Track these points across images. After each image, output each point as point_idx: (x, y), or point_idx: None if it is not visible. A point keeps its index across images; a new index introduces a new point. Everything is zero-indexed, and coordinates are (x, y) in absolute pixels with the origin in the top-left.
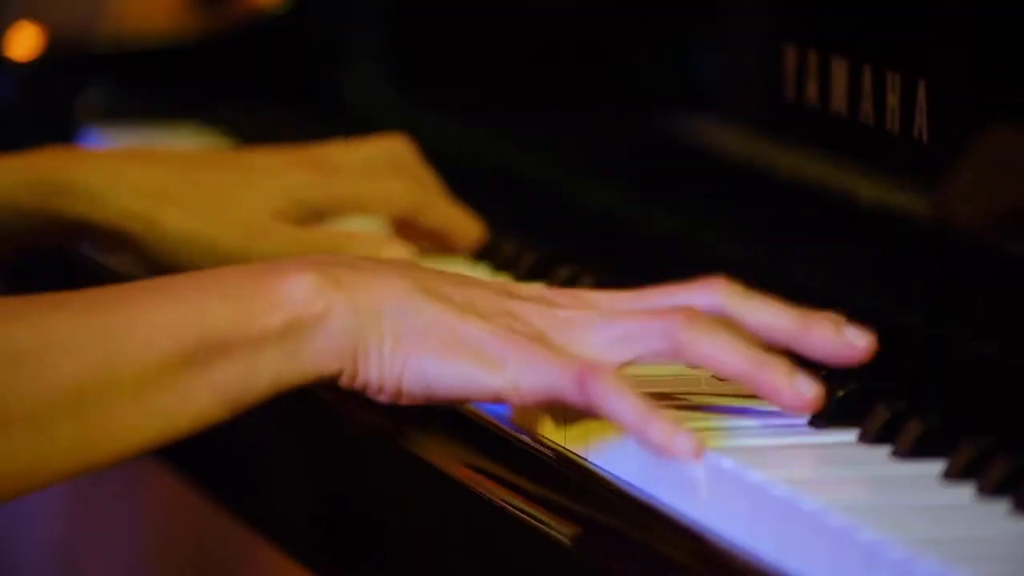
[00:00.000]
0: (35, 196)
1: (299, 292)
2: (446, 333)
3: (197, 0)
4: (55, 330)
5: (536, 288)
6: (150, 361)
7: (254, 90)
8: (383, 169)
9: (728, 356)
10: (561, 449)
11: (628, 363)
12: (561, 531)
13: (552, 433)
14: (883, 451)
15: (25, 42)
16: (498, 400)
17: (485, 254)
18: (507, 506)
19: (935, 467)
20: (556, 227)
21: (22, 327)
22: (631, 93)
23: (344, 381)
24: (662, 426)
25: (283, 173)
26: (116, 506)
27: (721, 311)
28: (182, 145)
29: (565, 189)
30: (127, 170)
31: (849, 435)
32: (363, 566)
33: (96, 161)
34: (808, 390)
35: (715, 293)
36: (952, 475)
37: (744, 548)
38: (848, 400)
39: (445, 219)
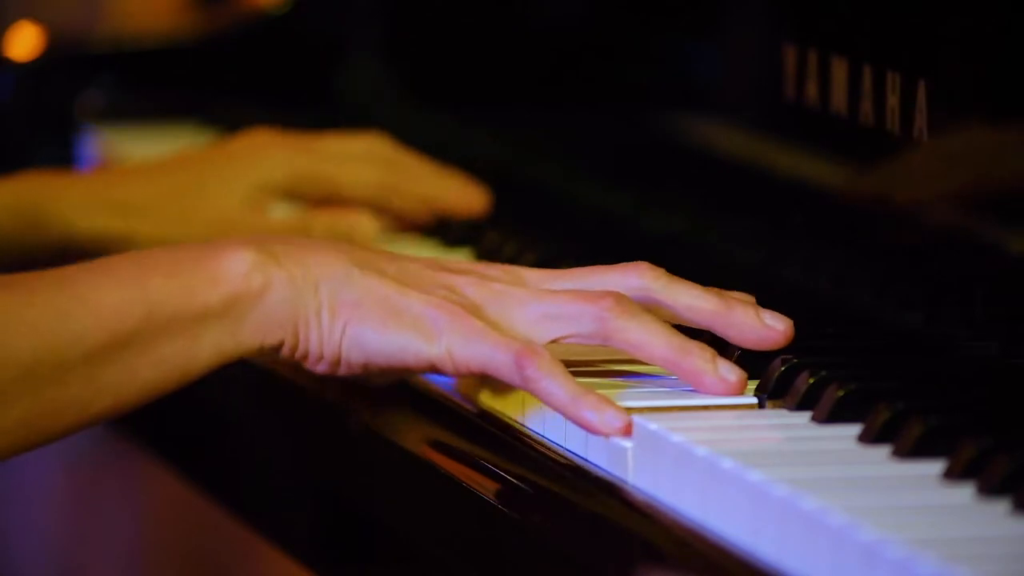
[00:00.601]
0: (17, 225)
1: (238, 268)
2: (382, 303)
3: (197, 0)
4: (6, 309)
5: (469, 262)
6: (98, 338)
7: (254, 90)
8: (358, 157)
9: (654, 344)
10: (562, 451)
11: (556, 340)
12: (563, 531)
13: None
14: (883, 451)
15: (25, 42)
16: (434, 369)
17: (484, 255)
18: (507, 506)
19: (935, 467)
20: (555, 226)
21: None
22: (631, 93)
23: (285, 352)
24: (592, 407)
25: (258, 151)
26: (116, 506)
27: (646, 294)
28: (182, 144)
29: (564, 189)
30: (101, 191)
31: (849, 435)
32: (361, 564)
33: (73, 186)
34: (730, 375)
35: (641, 276)
36: (952, 475)
37: (744, 548)
38: (848, 400)
39: (424, 192)
